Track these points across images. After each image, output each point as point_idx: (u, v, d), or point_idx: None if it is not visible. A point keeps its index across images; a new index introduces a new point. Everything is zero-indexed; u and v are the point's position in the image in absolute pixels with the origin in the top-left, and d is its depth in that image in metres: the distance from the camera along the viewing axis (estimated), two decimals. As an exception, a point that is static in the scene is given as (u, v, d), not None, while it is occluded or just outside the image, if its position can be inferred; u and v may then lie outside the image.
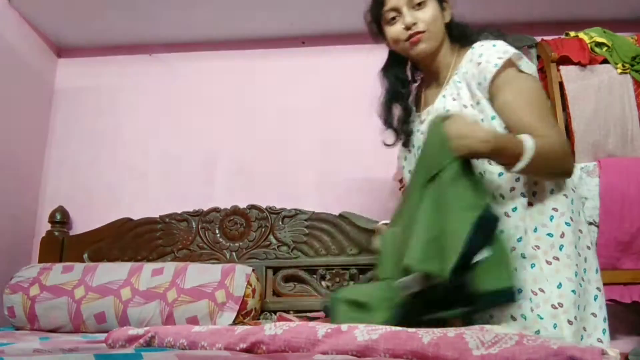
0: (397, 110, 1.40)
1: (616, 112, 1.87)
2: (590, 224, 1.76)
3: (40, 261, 2.10)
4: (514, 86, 1.16)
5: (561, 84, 1.92)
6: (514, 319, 1.12)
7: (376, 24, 1.34)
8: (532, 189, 1.18)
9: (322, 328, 0.85)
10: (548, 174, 1.14)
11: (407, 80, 1.42)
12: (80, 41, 2.46)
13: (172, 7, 2.18)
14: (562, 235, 1.14)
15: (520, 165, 1.04)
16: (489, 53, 1.19)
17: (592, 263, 1.20)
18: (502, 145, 1.04)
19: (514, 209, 1.17)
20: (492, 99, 1.19)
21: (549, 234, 1.15)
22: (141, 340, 0.94)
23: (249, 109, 2.39)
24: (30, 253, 2.25)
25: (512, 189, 1.18)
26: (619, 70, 1.91)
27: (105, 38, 2.43)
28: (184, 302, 1.75)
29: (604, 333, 1.15)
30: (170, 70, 2.46)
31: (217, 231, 2.14)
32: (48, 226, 2.23)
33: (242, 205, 2.17)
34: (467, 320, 1.08)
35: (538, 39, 2.07)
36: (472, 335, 0.75)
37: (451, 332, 0.78)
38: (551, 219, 1.16)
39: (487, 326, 0.90)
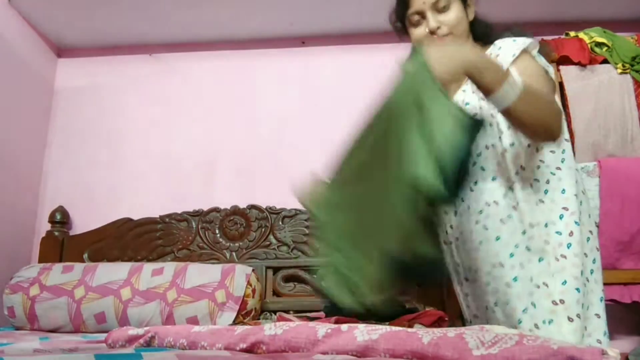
0: None
1: (616, 112, 1.87)
2: (591, 224, 1.76)
3: (40, 261, 2.10)
4: (526, 68, 1.18)
5: (561, 84, 1.92)
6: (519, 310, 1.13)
7: (401, 23, 1.34)
8: (543, 187, 1.19)
9: (322, 328, 0.85)
10: (531, 123, 1.07)
11: None
12: (80, 41, 2.46)
13: (172, 7, 2.18)
14: (571, 233, 1.15)
15: (505, 88, 1.00)
16: (508, 46, 1.21)
17: (599, 264, 1.21)
18: (487, 60, 1.03)
19: (517, 203, 1.19)
20: None
21: (557, 232, 1.16)
22: (141, 340, 0.94)
23: (249, 109, 2.39)
24: (30, 253, 2.25)
25: (513, 183, 1.19)
26: (619, 70, 1.91)
27: (105, 38, 2.43)
28: (184, 302, 1.75)
29: (604, 335, 1.15)
30: (170, 70, 2.46)
31: (217, 231, 2.14)
32: (48, 226, 2.23)
33: (242, 205, 2.17)
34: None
35: (538, 39, 2.06)
36: (472, 335, 0.75)
37: (451, 332, 0.78)
38: (561, 218, 1.17)
39: (487, 326, 0.90)
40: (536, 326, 1.10)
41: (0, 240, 2.06)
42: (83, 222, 2.27)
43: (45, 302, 1.79)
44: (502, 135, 1.21)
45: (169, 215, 2.18)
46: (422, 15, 1.26)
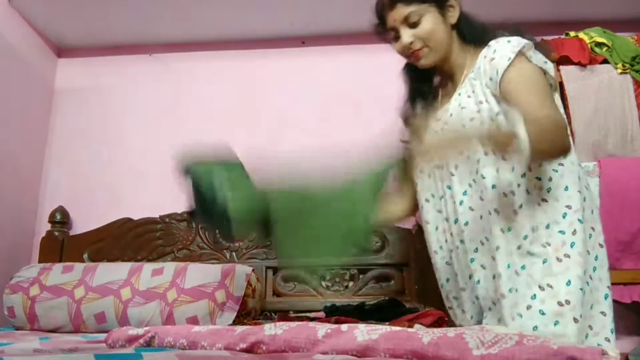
0: (420, 108, 1.41)
1: (616, 112, 1.87)
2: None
3: (40, 261, 2.10)
4: (520, 75, 1.17)
5: (561, 84, 1.92)
6: (512, 318, 1.12)
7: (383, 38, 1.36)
8: (546, 185, 1.18)
9: (322, 328, 0.85)
10: (545, 153, 1.09)
11: (429, 78, 1.42)
12: (80, 41, 2.46)
13: (172, 7, 2.18)
14: (574, 232, 1.14)
15: (521, 145, 0.98)
16: (503, 48, 1.20)
17: (603, 261, 1.20)
18: (494, 131, 1.06)
19: (520, 206, 1.17)
20: (502, 91, 1.19)
21: (560, 231, 1.15)
22: (141, 340, 0.94)
23: (249, 109, 2.38)
24: (30, 253, 2.25)
25: (519, 185, 1.18)
26: (619, 70, 1.91)
27: (105, 38, 2.43)
28: (184, 302, 1.75)
29: (612, 332, 1.14)
30: (170, 70, 2.46)
31: (217, 231, 2.14)
32: (48, 226, 2.23)
33: (242, 205, 2.17)
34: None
35: (538, 39, 2.06)
36: (472, 335, 0.75)
37: (451, 332, 0.78)
38: (564, 216, 1.16)
39: (487, 326, 0.90)
40: (535, 329, 1.10)
41: (0, 240, 2.06)
42: (83, 222, 2.27)
43: (45, 302, 1.79)
44: None
45: (169, 215, 2.18)
46: (396, 31, 1.28)
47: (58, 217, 2.22)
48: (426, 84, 1.41)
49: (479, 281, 1.23)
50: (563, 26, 2.13)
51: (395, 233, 2.04)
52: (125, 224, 2.18)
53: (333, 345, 0.80)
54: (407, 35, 1.26)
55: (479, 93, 1.24)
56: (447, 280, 1.37)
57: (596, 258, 1.18)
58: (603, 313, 1.15)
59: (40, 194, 2.35)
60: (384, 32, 1.32)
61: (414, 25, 1.26)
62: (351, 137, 2.25)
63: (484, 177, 1.21)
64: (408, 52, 1.29)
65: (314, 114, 2.34)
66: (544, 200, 1.18)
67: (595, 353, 0.67)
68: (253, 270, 1.92)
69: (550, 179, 1.18)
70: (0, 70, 2.10)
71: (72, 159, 2.38)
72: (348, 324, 0.86)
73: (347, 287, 2.02)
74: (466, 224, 1.26)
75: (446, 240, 1.34)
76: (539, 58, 1.21)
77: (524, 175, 1.18)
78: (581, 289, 1.10)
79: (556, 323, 1.08)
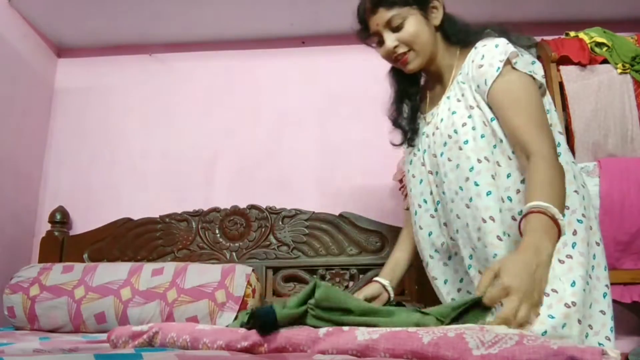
0: (406, 110, 1.41)
1: (616, 112, 1.87)
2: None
3: (40, 261, 2.10)
4: (508, 93, 1.16)
5: (561, 84, 1.92)
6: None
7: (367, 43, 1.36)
8: None
9: (322, 328, 0.85)
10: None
11: (415, 79, 1.42)
12: (80, 41, 2.46)
13: (172, 7, 2.19)
14: (575, 232, 1.14)
15: (563, 221, 1.00)
16: (491, 55, 1.19)
17: (600, 260, 1.19)
18: (546, 237, 0.98)
19: (519, 212, 1.16)
20: (490, 103, 1.19)
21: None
22: (145, 337, 0.94)
23: (249, 109, 2.39)
24: (30, 253, 2.25)
25: (518, 191, 1.17)
26: (619, 70, 1.91)
27: (105, 38, 2.43)
28: (184, 302, 1.75)
29: (611, 331, 1.13)
30: (169, 70, 2.47)
31: (217, 231, 2.14)
32: (48, 226, 2.23)
33: (242, 205, 2.17)
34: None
35: (538, 39, 2.07)
36: (472, 335, 0.75)
37: (451, 332, 0.78)
38: (563, 217, 1.16)
39: (487, 326, 0.90)
40: (545, 334, 1.08)
41: (0, 240, 2.06)
42: (83, 222, 2.27)
43: (45, 302, 1.79)
44: (498, 144, 1.19)
45: (169, 215, 2.18)
46: (379, 36, 1.28)
47: (58, 217, 2.22)
48: (413, 86, 1.41)
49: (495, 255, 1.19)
50: (563, 26, 2.14)
51: (395, 233, 2.04)
52: (125, 224, 2.18)
53: (333, 344, 0.80)
54: (390, 39, 1.26)
55: (469, 97, 1.23)
56: (445, 281, 1.37)
57: (594, 257, 1.17)
58: (602, 312, 1.14)
59: (40, 194, 2.35)
60: (367, 37, 1.32)
61: (397, 29, 1.25)
62: (351, 137, 2.27)
63: (477, 185, 1.19)
64: (393, 57, 1.29)
65: (314, 114, 2.34)
66: None
67: (595, 353, 0.66)
68: (253, 270, 1.92)
69: None
70: (0, 70, 2.10)
71: (72, 159, 2.38)
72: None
73: (347, 287, 2.02)
74: (457, 231, 1.26)
75: (442, 244, 1.33)
76: (525, 63, 1.18)
77: (523, 180, 1.17)
78: (584, 290, 1.10)
79: (564, 325, 1.08)
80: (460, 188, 1.22)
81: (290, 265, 2.07)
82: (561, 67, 1.94)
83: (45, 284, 1.83)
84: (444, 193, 1.27)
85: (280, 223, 2.13)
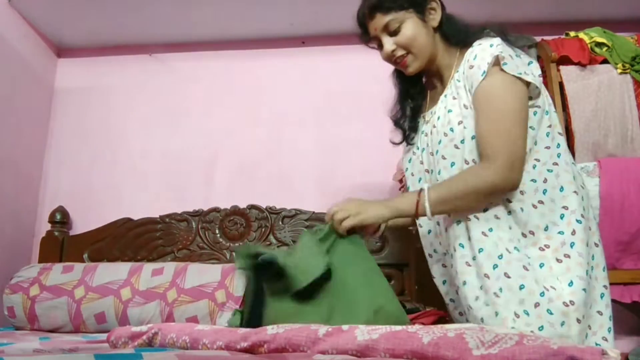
0: (408, 109, 1.41)
1: (616, 112, 1.87)
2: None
3: (40, 261, 2.10)
4: (485, 97, 1.17)
5: (561, 84, 1.92)
6: (517, 315, 1.11)
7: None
8: (541, 187, 1.18)
9: (322, 327, 0.85)
10: (472, 201, 1.18)
11: (417, 80, 1.42)
12: (80, 41, 2.46)
13: (172, 7, 2.18)
14: (574, 232, 1.14)
15: (420, 210, 1.18)
16: (482, 56, 1.19)
17: (599, 260, 1.19)
18: (397, 208, 1.21)
19: (522, 209, 1.17)
20: (473, 103, 1.21)
21: (560, 232, 1.15)
22: (144, 337, 0.94)
23: (249, 109, 2.39)
24: (30, 253, 2.25)
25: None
26: (619, 70, 1.91)
27: (105, 38, 2.43)
28: (184, 302, 1.75)
29: (609, 331, 1.14)
30: (169, 70, 2.46)
31: (217, 231, 2.14)
32: (48, 226, 2.23)
33: (242, 205, 2.17)
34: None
35: (538, 39, 2.07)
36: (472, 335, 0.75)
37: (451, 332, 0.78)
38: (562, 217, 1.16)
39: (487, 326, 0.90)
40: (541, 329, 1.09)
41: (0, 240, 2.06)
42: (83, 222, 2.27)
43: (45, 302, 1.79)
44: None
45: (169, 215, 2.18)
46: (378, 40, 1.29)
47: (58, 217, 2.22)
48: (415, 86, 1.42)
49: (464, 283, 1.21)
50: (563, 26, 2.14)
51: (395, 233, 2.04)
52: (125, 224, 2.18)
53: (333, 344, 0.80)
54: (389, 43, 1.27)
55: (463, 96, 1.23)
56: (444, 282, 1.37)
57: (592, 257, 1.18)
58: (599, 312, 1.15)
59: (40, 194, 2.35)
60: (368, 40, 1.34)
61: (394, 33, 1.26)
62: (351, 137, 2.27)
63: None
64: (393, 60, 1.30)
65: (314, 113, 2.34)
66: (540, 202, 1.17)
67: (595, 353, 0.67)
68: (253, 270, 1.92)
69: (545, 181, 1.18)
70: (0, 70, 2.10)
71: (72, 159, 2.38)
72: (348, 325, 0.86)
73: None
74: (445, 230, 1.28)
75: (440, 243, 1.34)
76: (515, 64, 1.17)
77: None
78: (584, 289, 1.10)
79: (562, 323, 1.08)
80: None
81: (290, 265, 2.06)
82: (561, 67, 1.94)
83: (45, 284, 1.83)
84: None
85: (280, 223, 2.13)
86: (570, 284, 1.10)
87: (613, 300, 1.71)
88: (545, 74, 1.97)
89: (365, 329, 0.82)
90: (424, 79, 1.44)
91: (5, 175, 2.11)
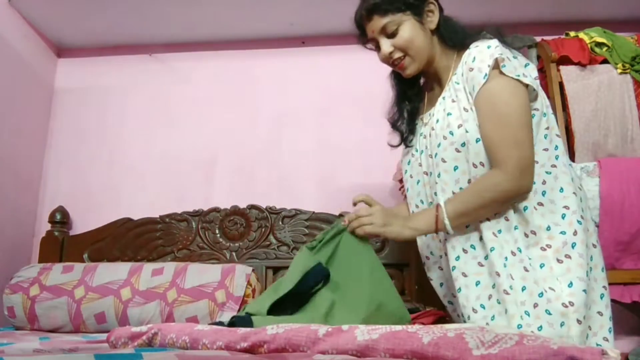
0: (405, 111, 1.41)
1: (616, 112, 1.87)
2: (591, 223, 1.76)
3: (40, 261, 2.10)
4: (490, 102, 1.17)
5: (561, 84, 1.92)
6: (522, 317, 1.12)
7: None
8: (540, 188, 1.18)
9: (322, 328, 0.85)
10: (490, 210, 1.19)
11: (415, 82, 1.42)
12: (80, 41, 2.46)
13: (172, 7, 2.18)
14: (575, 232, 1.14)
15: (440, 227, 1.21)
16: (480, 58, 1.19)
17: (598, 261, 1.20)
18: (417, 229, 1.24)
19: (525, 208, 1.18)
20: (475, 108, 1.20)
21: (562, 232, 1.15)
22: (144, 337, 0.94)
23: (248, 109, 2.39)
24: (30, 253, 2.25)
25: None
26: (619, 70, 1.91)
27: (105, 38, 2.43)
28: (184, 302, 1.75)
29: (610, 332, 1.14)
30: (170, 70, 2.46)
31: (217, 231, 2.14)
32: (48, 226, 2.23)
33: (242, 205, 2.17)
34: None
35: (538, 39, 2.07)
36: (472, 335, 0.75)
37: (451, 332, 0.78)
38: (563, 217, 1.16)
39: (487, 326, 0.90)
40: (540, 329, 1.09)
41: (0, 240, 2.06)
42: (83, 222, 2.27)
43: (45, 302, 1.79)
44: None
45: (169, 215, 2.18)
46: (376, 42, 1.30)
47: (58, 217, 2.22)
48: (412, 88, 1.42)
49: (460, 289, 1.22)
50: (563, 26, 2.14)
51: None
52: (125, 224, 2.18)
53: (333, 344, 0.80)
54: (386, 45, 1.28)
55: (463, 99, 1.23)
56: (441, 284, 1.37)
57: (591, 258, 1.18)
58: (600, 313, 1.15)
59: (40, 194, 2.35)
60: (366, 42, 1.34)
61: (392, 35, 1.27)
62: (351, 137, 2.27)
63: None
64: (390, 62, 1.31)
65: (314, 114, 2.34)
66: (540, 204, 1.17)
67: (595, 353, 0.67)
68: (253, 270, 1.92)
69: (544, 182, 1.18)
70: (0, 70, 2.10)
71: (72, 159, 2.38)
72: (349, 325, 0.86)
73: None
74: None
75: (439, 245, 1.34)
76: (513, 66, 1.17)
77: None
78: (584, 290, 1.10)
79: (562, 324, 1.08)
80: (460, 189, 1.23)
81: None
82: (561, 67, 1.94)
83: (45, 284, 1.83)
84: (435, 194, 1.28)
85: (280, 223, 2.13)
86: (570, 285, 1.10)
87: (613, 300, 1.71)
88: (545, 74, 1.97)
89: (365, 329, 0.82)
90: (421, 81, 1.44)
91: (5, 175, 2.11)
